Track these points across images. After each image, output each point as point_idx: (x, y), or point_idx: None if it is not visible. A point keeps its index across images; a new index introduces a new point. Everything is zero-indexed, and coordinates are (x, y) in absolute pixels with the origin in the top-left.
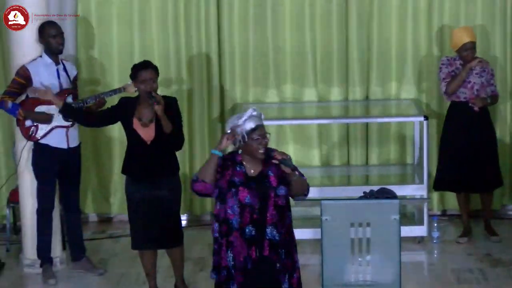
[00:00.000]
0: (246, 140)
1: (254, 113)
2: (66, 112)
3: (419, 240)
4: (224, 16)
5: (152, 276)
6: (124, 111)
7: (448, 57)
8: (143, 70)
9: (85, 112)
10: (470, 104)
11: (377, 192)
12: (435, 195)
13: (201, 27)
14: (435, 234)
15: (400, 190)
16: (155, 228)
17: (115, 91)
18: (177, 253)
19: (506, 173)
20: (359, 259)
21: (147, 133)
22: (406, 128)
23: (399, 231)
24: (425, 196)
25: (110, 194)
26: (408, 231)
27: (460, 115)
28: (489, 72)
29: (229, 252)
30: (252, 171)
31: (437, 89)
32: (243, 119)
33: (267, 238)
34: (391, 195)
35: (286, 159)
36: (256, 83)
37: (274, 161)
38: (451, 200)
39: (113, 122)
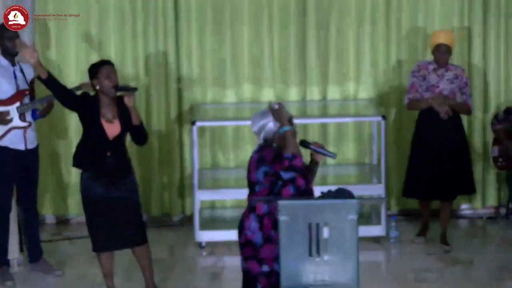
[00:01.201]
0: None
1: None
2: (51, 82)
3: (377, 239)
4: (181, 15)
5: (110, 277)
6: (89, 105)
7: (422, 61)
8: (104, 66)
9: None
10: (435, 109)
11: (335, 192)
12: (393, 195)
13: (158, 25)
14: (393, 233)
15: (358, 190)
16: (117, 228)
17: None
18: (143, 252)
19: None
20: (317, 259)
21: (112, 129)
22: (364, 128)
23: (357, 231)
24: (383, 196)
25: (67, 195)
26: (366, 231)
27: (430, 121)
28: (462, 80)
29: None
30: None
31: (395, 89)
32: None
33: None
34: (349, 195)
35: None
36: (214, 83)
37: (316, 149)
38: (409, 200)
39: (75, 108)
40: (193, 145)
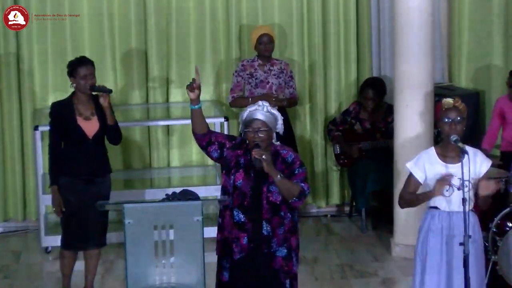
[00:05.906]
0: (244, 129)
1: (259, 107)
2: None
3: None
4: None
5: (68, 278)
6: (62, 113)
7: (245, 60)
8: (82, 66)
9: None
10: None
11: (180, 194)
12: None
13: None
14: None
15: (202, 191)
16: (89, 227)
17: None
18: (96, 255)
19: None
20: (163, 261)
21: (90, 127)
22: None
23: (202, 232)
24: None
25: None
26: (211, 231)
27: None
28: (287, 73)
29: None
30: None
31: None
32: (249, 109)
33: (264, 233)
34: (193, 197)
35: (256, 159)
36: (56, 87)
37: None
38: None
39: (62, 135)
40: (36, 150)
